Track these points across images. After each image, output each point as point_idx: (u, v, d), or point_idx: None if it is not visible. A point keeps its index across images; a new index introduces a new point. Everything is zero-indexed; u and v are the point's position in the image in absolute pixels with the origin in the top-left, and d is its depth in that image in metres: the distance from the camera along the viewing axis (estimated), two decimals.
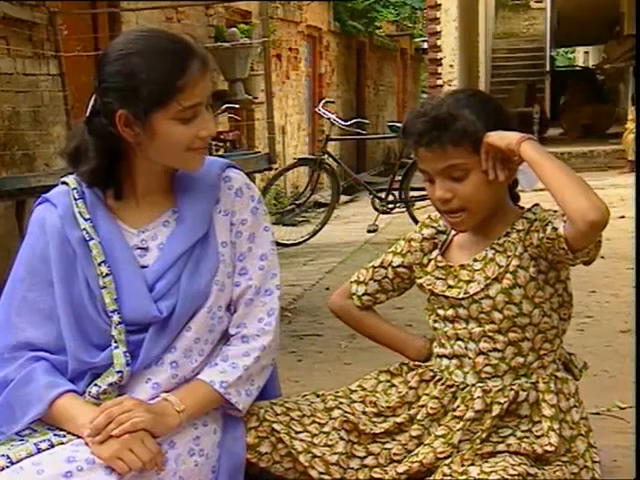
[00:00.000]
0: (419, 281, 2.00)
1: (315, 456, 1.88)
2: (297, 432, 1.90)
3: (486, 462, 1.80)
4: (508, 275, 1.86)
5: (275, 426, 1.88)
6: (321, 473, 1.87)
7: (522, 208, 1.96)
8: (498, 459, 1.80)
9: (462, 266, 1.93)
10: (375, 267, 2.11)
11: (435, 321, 1.98)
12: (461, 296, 1.90)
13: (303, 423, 1.92)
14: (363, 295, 2.12)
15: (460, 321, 1.92)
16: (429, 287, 1.96)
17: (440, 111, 1.87)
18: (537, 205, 1.93)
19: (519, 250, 1.87)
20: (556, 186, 1.75)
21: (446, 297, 1.93)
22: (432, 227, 2.04)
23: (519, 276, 1.86)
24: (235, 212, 1.91)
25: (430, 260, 2.00)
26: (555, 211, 1.84)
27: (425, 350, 2.05)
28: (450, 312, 1.93)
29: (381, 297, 2.12)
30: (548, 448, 1.83)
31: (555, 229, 1.77)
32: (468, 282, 1.90)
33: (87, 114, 1.83)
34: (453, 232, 2.01)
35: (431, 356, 2.02)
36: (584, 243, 1.75)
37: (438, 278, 1.95)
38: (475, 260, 1.92)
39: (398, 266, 2.07)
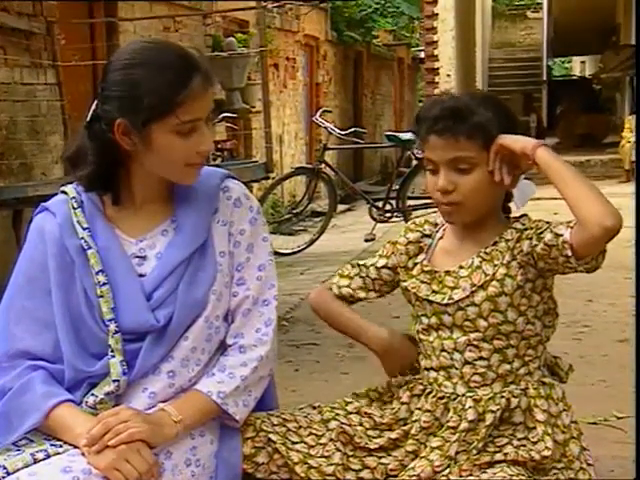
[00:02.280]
0: (404, 284, 1.99)
1: (311, 467, 1.87)
2: (294, 443, 1.90)
3: (484, 473, 1.80)
4: (494, 283, 1.86)
5: (271, 437, 1.88)
6: None
7: (510, 219, 1.97)
8: (496, 469, 1.80)
9: (447, 272, 1.92)
10: (360, 265, 2.11)
11: (419, 331, 1.97)
12: (445, 302, 1.89)
13: (300, 434, 1.91)
14: (343, 287, 2.10)
15: (444, 329, 1.91)
16: (413, 290, 1.95)
17: (458, 103, 1.89)
18: (525, 215, 1.94)
19: (507, 259, 1.87)
20: (572, 192, 1.76)
21: (430, 302, 1.92)
22: (417, 231, 2.04)
23: (506, 284, 1.86)
24: (234, 222, 1.91)
25: (416, 264, 2.00)
26: (548, 222, 1.85)
27: (386, 341, 2.03)
28: (434, 320, 1.92)
29: (360, 294, 2.10)
30: (545, 453, 1.82)
31: (558, 235, 1.77)
32: (453, 288, 1.90)
33: (88, 119, 1.84)
34: (439, 236, 2.01)
35: (417, 369, 2.01)
36: (593, 249, 1.75)
37: (423, 282, 1.95)
38: (461, 267, 1.91)
39: (382, 267, 2.06)
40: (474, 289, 1.87)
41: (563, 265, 1.79)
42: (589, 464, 1.90)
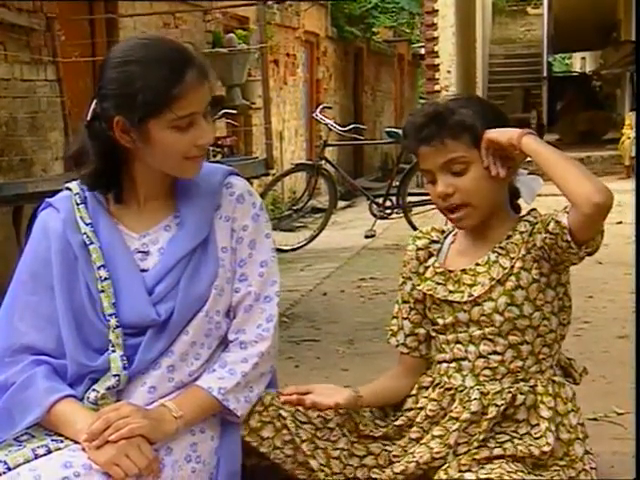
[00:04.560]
0: (418, 288, 1.99)
1: (318, 447, 1.89)
2: (302, 422, 1.91)
3: (482, 468, 1.80)
4: (512, 277, 1.87)
5: (282, 412, 1.89)
6: (322, 465, 1.88)
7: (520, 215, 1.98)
8: (494, 465, 1.81)
9: (464, 270, 1.93)
10: (396, 311, 2.06)
11: (435, 330, 1.98)
12: (465, 299, 1.90)
13: (308, 416, 1.93)
14: (407, 338, 2.04)
15: (461, 325, 1.92)
16: (430, 292, 1.95)
17: (437, 107, 1.91)
18: (535, 209, 1.95)
19: (522, 252, 1.88)
20: (560, 174, 1.78)
21: (449, 302, 1.93)
22: (425, 238, 2.04)
23: (522, 278, 1.87)
24: (236, 218, 1.92)
25: (427, 267, 2.00)
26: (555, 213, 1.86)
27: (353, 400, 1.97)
28: (450, 319, 1.93)
29: (420, 331, 2.03)
30: (545, 449, 1.83)
31: (558, 222, 1.79)
32: (471, 286, 1.91)
33: (88, 118, 1.84)
34: (449, 241, 2.02)
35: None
36: (589, 230, 1.77)
37: (438, 284, 1.95)
38: (478, 264, 1.92)
39: (412, 289, 2.03)
40: (492, 283, 1.88)
41: (567, 252, 1.80)
42: (592, 467, 1.91)
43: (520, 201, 2.01)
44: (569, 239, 1.77)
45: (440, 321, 1.95)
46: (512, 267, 1.88)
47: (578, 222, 1.75)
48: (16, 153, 5.54)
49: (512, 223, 1.93)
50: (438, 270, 1.97)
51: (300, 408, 1.91)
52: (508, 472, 1.78)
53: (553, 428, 1.86)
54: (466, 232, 1.99)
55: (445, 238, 2.03)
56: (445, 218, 1.98)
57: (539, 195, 1.85)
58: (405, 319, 2.04)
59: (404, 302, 2.05)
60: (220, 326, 1.90)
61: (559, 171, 1.78)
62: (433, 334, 1.99)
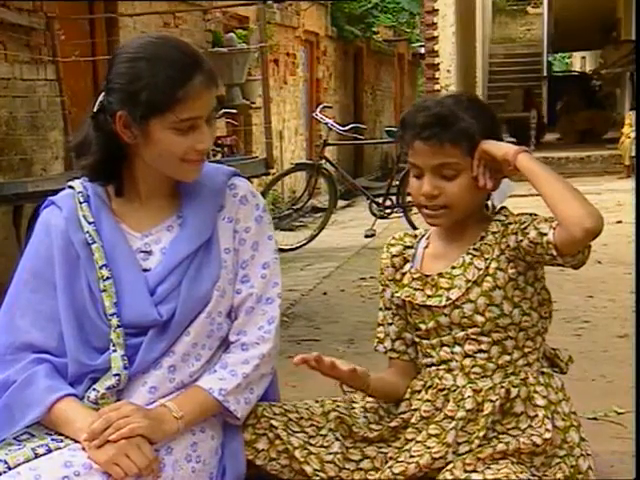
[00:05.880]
0: (397, 295, 1.99)
1: (311, 453, 1.89)
2: (294, 432, 1.90)
3: (488, 468, 1.80)
4: (488, 277, 1.89)
5: (273, 422, 1.88)
6: (316, 470, 1.87)
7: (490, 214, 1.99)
8: (501, 465, 1.81)
9: (440, 274, 1.94)
10: (381, 318, 2.07)
11: (418, 336, 1.99)
12: (443, 303, 1.91)
13: (301, 425, 1.92)
14: (394, 342, 2.05)
15: (444, 328, 1.93)
16: (408, 299, 1.96)
17: (443, 109, 1.90)
18: (505, 208, 1.97)
19: (496, 253, 1.90)
20: (552, 195, 1.79)
21: (428, 307, 1.93)
22: (399, 245, 2.05)
23: (498, 278, 1.89)
24: (239, 219, 1.92)
25: (404, 274, 2.01)
26: (531, 214, 1.87)
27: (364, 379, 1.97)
28: (431, 324, 1.94)
29: (407, 335, 2.04)
30: (546, 436, 1.85)
31: (542, 234, 1.80)
32: (449, 289, 1.92)
33: (94, 109, 1.85)
34: (422, 245, 2.02)
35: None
36: (576, 248, 1.79)
37: (416, 289, 1.96)
38: (453, 267, 1.94)
39: (392, 295, 2.04)
40: (469, 285, 1.89)
41: (550, 261, 1.83)
42: (588, 454, 1.93)
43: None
44: (555, 254, 1.79)
45: (422, 326, 1.96)
46: (487, 268, 1.89)
47: (565, 241, 1.77)
48: (16, 152, 5.54)
49: (485, 224, 1.95)
50: (415, 276, 1.98)
51: (292, 418, 1.91)
52: (514, 472, 1.78)
53: (550, 415, 1.88)
54: (440, 235, 2.00)
55: (418, 242, 2.03)
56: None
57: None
58: (390, 325, 2.06)
59: (386, 309, 2.06)
60: (221, 327, 1.90)
61: (552, 191, 1.80)
62: (417, 340, 2.00)
